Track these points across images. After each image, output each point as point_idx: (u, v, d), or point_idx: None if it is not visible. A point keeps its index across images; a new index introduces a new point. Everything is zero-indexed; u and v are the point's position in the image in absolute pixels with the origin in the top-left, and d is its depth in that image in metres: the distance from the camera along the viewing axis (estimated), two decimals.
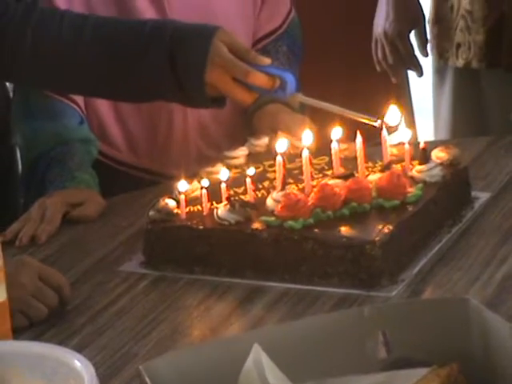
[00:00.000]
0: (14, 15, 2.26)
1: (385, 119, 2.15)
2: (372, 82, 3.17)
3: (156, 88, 2.25)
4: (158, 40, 2.19)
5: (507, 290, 1.89)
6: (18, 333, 1.81)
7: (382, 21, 3.09)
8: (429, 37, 3.13)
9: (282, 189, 2.06)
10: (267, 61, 2.19)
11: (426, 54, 3.16)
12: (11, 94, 2.60)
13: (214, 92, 2.17)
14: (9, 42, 2.26)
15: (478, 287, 1.91)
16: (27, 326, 1.87)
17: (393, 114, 2.15)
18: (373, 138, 2.18)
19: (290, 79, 2.17)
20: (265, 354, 1.42)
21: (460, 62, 2.99)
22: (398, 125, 2.19)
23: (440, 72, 3.13)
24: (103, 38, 2.24)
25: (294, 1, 2.70)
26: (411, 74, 3.30)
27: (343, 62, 3.14)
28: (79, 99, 2.44)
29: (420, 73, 3.15)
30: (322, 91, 2.52)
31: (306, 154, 2.09)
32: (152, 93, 2.29)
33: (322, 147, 2.19)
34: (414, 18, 3.11)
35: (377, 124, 2.10)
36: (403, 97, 3.25)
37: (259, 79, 2.15)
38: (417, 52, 3.16)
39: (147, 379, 1.42)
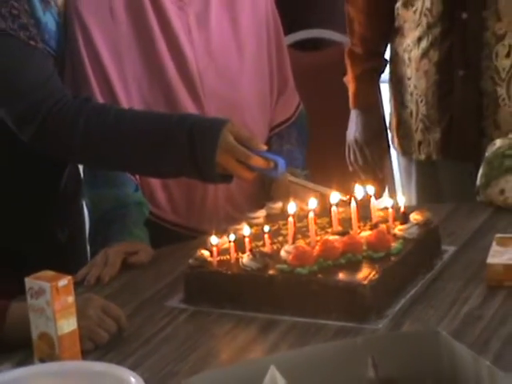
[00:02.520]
0: (69, 105, 2.25)
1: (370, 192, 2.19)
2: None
3: (179, 168, 2.27)
4: (180, 131, 2.21)
5: (469, 324, 1.88)
6: (85, 354, 1.81)
7: (352, 131, 3.07)
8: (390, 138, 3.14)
9: (293, 243, 2.06)
10: (264, 147, 2.22)
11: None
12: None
13: (223, 171, 2.20)
14: (62, 128, 2.25)
15: (447, 322, 1.89)
16: (93, 349, 1.85)
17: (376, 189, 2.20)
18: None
19: (281, 162, 2.20)
20: (279, 373, 1.42)
21: (422, 157, 2.96)
22: (383, 195, 2.20)
23: (405, 166, 3.11)
24: (140, 130, 2.25)
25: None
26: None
27: (338, 152, 3.11)
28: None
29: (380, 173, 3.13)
30: (323, 172, 2.53)
31: (311, 215, 2.09)
32: (175, 171, 2.31)
33: (324, 210, 2.18)
34: (377, 128, 3.09)
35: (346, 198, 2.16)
36: (388, 176, 3.22)
37: (257, 162, 2.18)
38: None
39: None
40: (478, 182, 2.45)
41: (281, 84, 2.64)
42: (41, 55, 2.30)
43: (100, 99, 2.38)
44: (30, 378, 1.58)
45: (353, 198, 2.15)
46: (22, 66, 2.26)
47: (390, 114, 3.12)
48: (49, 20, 2.36)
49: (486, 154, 2.45)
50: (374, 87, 3.10)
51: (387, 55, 3.10)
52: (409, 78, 2.96)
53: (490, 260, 2.05)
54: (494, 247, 2.10)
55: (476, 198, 2.52)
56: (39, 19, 2.32)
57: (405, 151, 3.06)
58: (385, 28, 3.02)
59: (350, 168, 3.10)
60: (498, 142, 2.50)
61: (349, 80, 3.06)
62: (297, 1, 3.02)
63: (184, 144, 2.20)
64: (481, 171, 2.45)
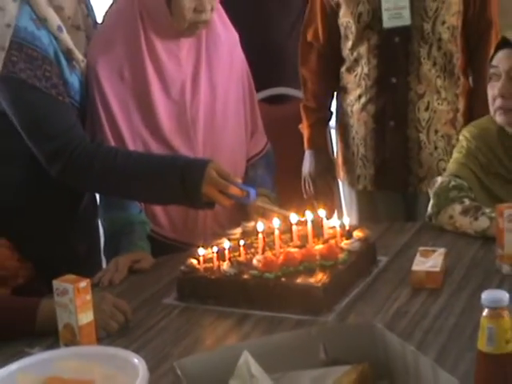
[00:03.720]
0: (86, 150, 2.26)
1: (321, 214, 2.19)
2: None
3: (173, 198, 2.28)
4: (174, 169, 2.22)
5: (398, 318, 1.88)
6: (100, 340, 1.82)
7: (306, 167, 3.06)
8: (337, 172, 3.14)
9: (262, 253, 2.07)
10: (239, 180, 2.24)
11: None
12: None
13: (207, 199, 2.21)
14: (81, 168, 2.26)
15: (381, 316, 1.89)
16: (105, 336, 1.86)
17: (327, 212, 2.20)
18: None
19: (252, 192, 2.23)
20: (251, 356, 1.42)
21: (360, 187, 2.97)
22: (332, 216, 2.21)
23: (348, 194, 3.11)
24: (142, 170, 2.25)
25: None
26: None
27: (296, 177, 3.11)
28: None
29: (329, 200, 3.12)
30: (286, 197, 2.53)
31: (276, 232, 2.09)
32: (171, 200, 2.33)
33: (286, 228, 2.17)
34: (326, 164, 3.07)
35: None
36: (336, 202, 3.21)
37: (234, 191, 2.20)
38: None
39: (178, 370, 1.43)
40: (430, 210, 2.43)
41: (253, 128, 2.63)
42: (67, 108, 2.29)
43: (111, 141, 2.37)
44: (56, 358, 1.56)
45: (308, 219, 2.14)
46: (51, 116, 2.26)
47: (337, 153, 3.12)
48: (74, 80, 2.35)
49: (433, 190, 2.44)
50: (323, 133, 3.09)
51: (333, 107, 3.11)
52: (351, 126, 2.96)
53: (415, 268, 2.05)
54: (418, 258, 2.10)
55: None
56: (66, 79, 2.32)
57: (348, 182, 3.06)
58: (332, 87, 3.03)
59: (305, 196, 3.09)
60: (440, 179, 2.49)
61: (303, 127, 3.06)
62: (265, 64, 3.00)
63: (177, 180, 2.21)
64: (431, 202, 2.43)
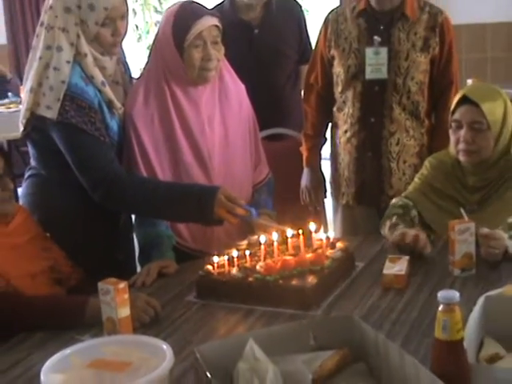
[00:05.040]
0: (122, 180, 2.30)
1: (311, 228, 2.20)
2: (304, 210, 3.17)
3: (191, 218, 2.32)
4: (192, 195, 2.25)
5: (371, 311, 1.90)
6: (135, 331, 1.82)
7: (304, 181, 3.10)
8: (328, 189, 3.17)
9: (264, 260, 2.08)
10: (243, 203, 2.26)
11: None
12: None
13: (217, 218, 2.23)
14: (118, 196, 2.30)
15: (358, 310, 1.91)
16: (139, 327, 1.86)
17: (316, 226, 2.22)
18: None
19: (254, 211, 2.25)
20: (255, 343, 1.43)
21: (344, 202, 2.99)
22: (319, 230, 2.23)
23: (335, 207, 3.13)
24: (167, 196, 2.27)
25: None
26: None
27: (291, 200, 3.13)
28: None
29: (318, 207, 3.18)
30: (281, 214, 2.54)
31: (275, 243, 2.11)
32: (189, 219, 2.36)
33: (283, 240, 2.17)
34: (318, 181, 3.11)
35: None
36: (322, 216, 3.23)
37: (240, 212, 2.22)
38: None
39: (197, 354, 1.43)
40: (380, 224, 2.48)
41: (257, 160, 2.62)
42: (107, 147, 2.31)
43: (143, 172, 2.37)
44: (101, 344, 1.57)
45: (301, 233, 2.16)
46: (95, 154, 2.27)
47: (329, 175, 3.14)
48: (113, 124, 2.36)
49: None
50: (317, 155, 3.11)
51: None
52: (339, 154, 2.99)
53: (385, 271, 2.07)
54: (387, 263, 2.11)
55: (376, 228, 2.53)
56: (107, 124, 2.34)
57: (335, 197, 3.09)
58: (326, 120, 3.04)
59: (302, 202, 3.12)
60: (393, 200, 2.54)
61: (303, 150, 3.08)
62: (266, 109, 3.02)
63: (194, 204, 2.22)
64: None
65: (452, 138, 2.39)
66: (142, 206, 2.33)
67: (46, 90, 2.25)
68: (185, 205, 2.26)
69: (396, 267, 2.09)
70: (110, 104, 2.36)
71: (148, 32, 10.55)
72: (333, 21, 2.89)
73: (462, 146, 2.34)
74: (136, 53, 8.70)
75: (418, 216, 2.44)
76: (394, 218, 2.39)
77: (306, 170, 3.10)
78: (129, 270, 2.44)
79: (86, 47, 2.28)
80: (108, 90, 2.34)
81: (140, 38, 10.60)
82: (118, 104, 2.38)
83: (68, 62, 2.25)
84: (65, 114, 2.23)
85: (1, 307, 1.92)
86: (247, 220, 2.29)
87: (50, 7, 2.28)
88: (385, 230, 2.42)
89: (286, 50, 3.34)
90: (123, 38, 2.38)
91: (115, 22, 2.29)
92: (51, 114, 2.24)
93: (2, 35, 7.14)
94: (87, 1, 2.24)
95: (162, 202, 2.28)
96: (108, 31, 2.29)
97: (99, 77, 2.32)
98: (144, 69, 2.44)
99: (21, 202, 2.44)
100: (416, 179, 2.56)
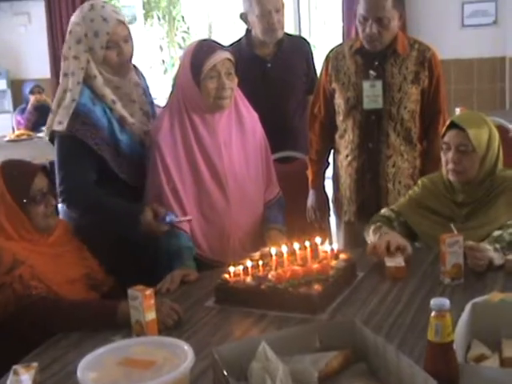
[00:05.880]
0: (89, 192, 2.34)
1: (318, 241, 2.19)
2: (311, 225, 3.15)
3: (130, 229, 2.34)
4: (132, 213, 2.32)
5: (372, 316, 1.88)
6: (160, 333, 1.81)
7: (309, 201, 3.09)
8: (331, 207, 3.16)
9: (275, 270, 2.07)
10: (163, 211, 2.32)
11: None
12: None
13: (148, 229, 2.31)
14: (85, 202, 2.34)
15: (359, 315, 1.89)
16: (164, 330, 1.84)
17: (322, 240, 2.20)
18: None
19: (168, 218, 2.32)
20: (267, 345, 1.43)
21: (346, 219, 2.97)
22: (324, 243, 2.22)
23: (338, 224, 3.13)
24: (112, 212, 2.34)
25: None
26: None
27: (299, 216, 3.10)
28: (188, 230, 2.40)
29: (324, 225, 3.15)
30: (290, 229, 2.54)
31: (285, 255, 2.11)
32: (129, 230, 2.34)
33: (292, 252, 2.14)
34: (323, 201, 3.10)
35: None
36: (327, 232, 3.21)
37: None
38: None
39: (215, 355, 1.43)
40: None
41: (268, 180, 2.61)
42: (94, 164, 2.34)
43: (166, 188, 2.37)
44: (130, 345, 1.57)
45: (308, 246, 2.15)
46: (78, 162, 2.32)
47: (331, 195, 3.14)
48: (124, 137, 2.41)
49: None
50: (321, 178, 3.10)
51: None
52: (341, 176, 2.97)
53: (388, 264, 2.15)
54: (386, 258, 2.18)
55: None
56: (117, 138, 2.39)
57: (337, 215, 3.08)
58: (329, 147, 3.03)
59: (308, 220, 3.10)
60: (382, 210, 2.55)
61: (309, 173, 3.07)
62: (277, 135, 3.00)
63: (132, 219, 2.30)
64: None
65: (442, 159, 2.41)
66: (97, 214, 2.37)
67: (60, 109, 2.36)
68: (128, 220, 2.33)
69: (396, 260, 2.15)
70: (121, 120, 2.41)
71: (173, 65, 10.65)
72: (333, 58, 2.90)
73: (450, 166, 2.36)
74: (162, 84, 8.76)
75: (404, 226, 2.44)
76: (379, 223, 2.42)
77: (311, 192, 3.10)
78: (155, 277, 2.43)
79: (95, 70, 2.37)
80: (119, 108, 2.40)
81: (166, 70, 10.69)
82: (130, 120, 2.43)
83: (78, 83, 2.35)
84: (70, 128, 2.32)
85: (41, 311, 1.93)
86: (166, 223, 2.32)
87: (65, 42, 2.40)
88: (369, 233, 2.43)
89: (295, 82, 3.34)
90: (130, 58, 2.44)
91: (118, 44, 2.37)
92: (61, 127, 2.32)
93: (47, 70, 7.19)
94: (92, 29, 2.34)
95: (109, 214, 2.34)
96: (113, 53, 2.37)
97: (110, 96, 2.39)
98: (168, 98, 2.46)
99: (61, 216, 2.45)
100: (407, 194, 2.57)
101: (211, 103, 2.36)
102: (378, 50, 2.80)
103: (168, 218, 2.31)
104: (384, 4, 2.69)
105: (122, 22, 2.38)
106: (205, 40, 2.42)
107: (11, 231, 2.07)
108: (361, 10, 2.75)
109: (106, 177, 2.37)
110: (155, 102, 2.63)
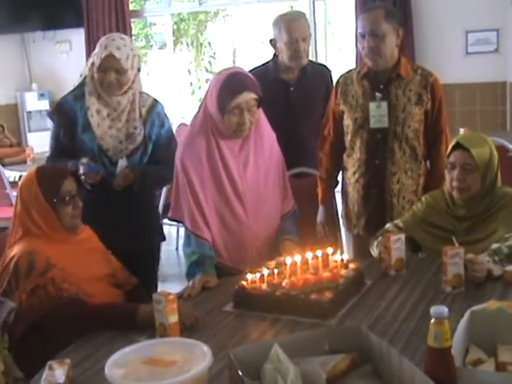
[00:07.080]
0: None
1: (329, 251, 2.17)
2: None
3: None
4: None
5: (378, 322, 1.87)
6: (182, 334, 1.81)
7: (319, 216, 3.07)
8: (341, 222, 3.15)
9: (289, 278, 2.06)
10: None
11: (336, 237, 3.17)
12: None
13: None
14: None
15: (367, 320, 1.88)
16: (185, 331, 1.84)
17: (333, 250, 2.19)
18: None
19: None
20: (279, 348, 1.42)
21: (355, 232, 2.96)
22: (336, 253, 2.20)
23: (347, 237, 3.12)
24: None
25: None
26: None
27: (313, 227, 3.09)
28: (210, 239, 2.40)
29: (333, 239, 3.11)
30: (304, 240, 2.51)
31: (298, 264, 2.10)
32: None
33: (305, 261, 2.13)
34: (332, 216, 3.09)
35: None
36: (337, 243, 3.18)
37: None
38: None
39: (232, 356, 1.43)
40: None
41: (284, 194, 2.60)
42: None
43: (193, 205, 2.38)
44: (154, 345, 1.58)
45: (319, 256, 2.14)
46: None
47: (341, 209, 3.12)
48: (85, 137, 2.65)
49: None
50: (331, 195, 3.09)
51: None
52: (349, 192, 2.95)
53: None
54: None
55: None
56: (79, 135, 2.65)
57: (347, 229, 3.05)
58: (338, 166, 3.02)
59: (318, 235, 3.07)
60: (387, 225, 2.56)
61: (319, 190, 3.06)
62: (293, 152, 3.00)
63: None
64: None
65: (447, 177, 2.39)
66: None
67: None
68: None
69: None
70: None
71: (200, 87, 10.72)
72: (342, 83, 2.91)
73: (455, 183, 2.35)
74: (190, 104, 8.82)
75: (408, 240, 2.40)
76: (381, 238, 2.42)
77: (320, 208, 3.08)
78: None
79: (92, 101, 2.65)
80: (92, 113, 2.64)
81: (193, 92, 10.76)
82: (95, 122, 2.63)
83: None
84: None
85: (69, 313, 1.95)
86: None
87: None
88: (373, 247, 2.44)
89: (314, 105, 3.35)
90: (122, 87, 2.61)
91: (106, 71, 2.57)
92: None
93: None
94: (98, 51, 2.60)
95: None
96: (101, 76, 2.59)
97: (90, 102, 2.64)
98: (194, 117, 2.48)
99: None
100: (411, 210, 2.57)
101: (231, 133, 2.39)
102: (382, 71, 2.80)
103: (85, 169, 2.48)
104: (376, 18, 2.71)
105: (112, 56, 2.54)
106: (234, 75, 2.35)
107: (45, 228, 2.10)
108: (359, 29, 2.78)
109: None
110: (182, 120, 2.68)
